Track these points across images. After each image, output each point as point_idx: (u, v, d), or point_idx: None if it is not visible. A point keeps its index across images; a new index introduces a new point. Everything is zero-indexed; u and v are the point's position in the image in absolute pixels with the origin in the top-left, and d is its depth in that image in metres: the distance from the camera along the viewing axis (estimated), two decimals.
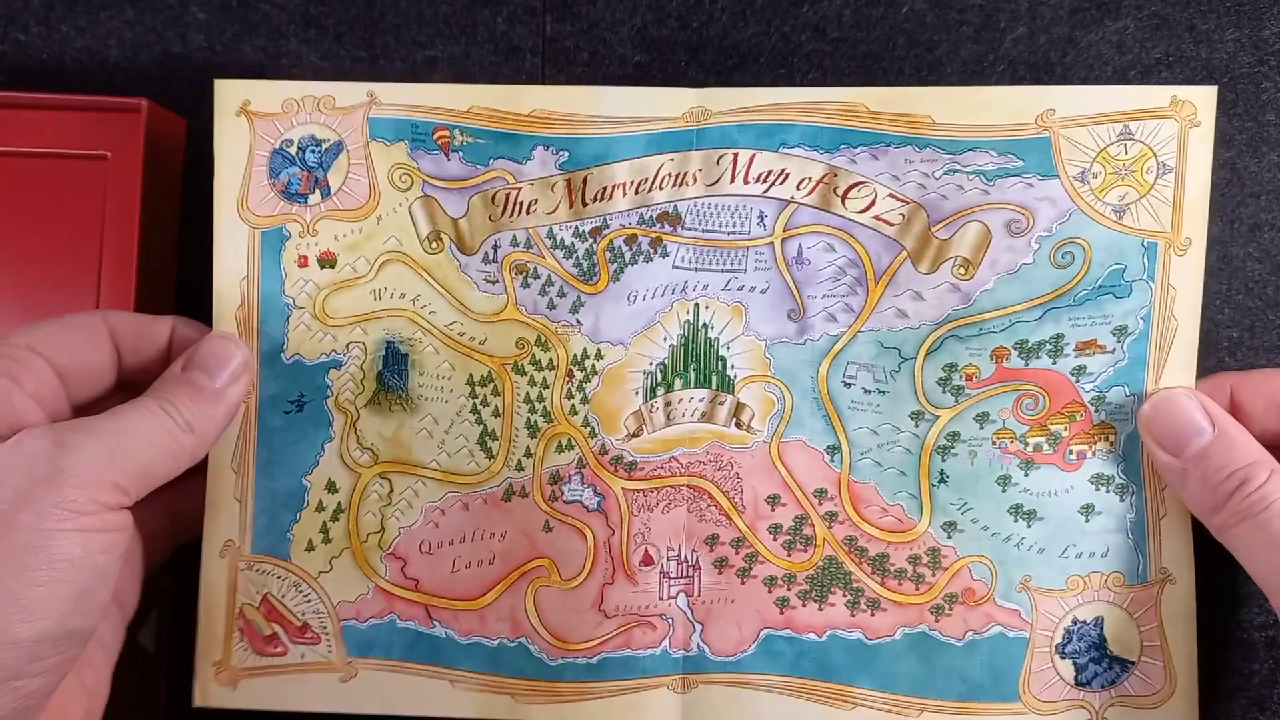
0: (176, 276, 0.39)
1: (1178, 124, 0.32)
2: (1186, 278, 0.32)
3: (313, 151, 0.34)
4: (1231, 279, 0.38)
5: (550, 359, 0.34)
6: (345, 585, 0.34)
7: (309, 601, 0.34)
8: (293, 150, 0.34)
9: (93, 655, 0.31)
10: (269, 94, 0.34)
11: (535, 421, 0.34)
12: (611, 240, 0.34)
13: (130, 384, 0.33)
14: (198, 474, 0.34)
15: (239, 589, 0.34)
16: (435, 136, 0.34)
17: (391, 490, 0.34)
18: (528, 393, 0.34)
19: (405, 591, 0.34)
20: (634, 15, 0.39)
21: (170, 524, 0.34)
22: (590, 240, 0.34)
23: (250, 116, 0.34)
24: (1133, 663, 0.32)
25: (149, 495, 0.31)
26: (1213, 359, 0.38)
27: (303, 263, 0.34)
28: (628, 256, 0.34)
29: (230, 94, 0.34)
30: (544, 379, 0.34)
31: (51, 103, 0.37)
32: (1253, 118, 0.39)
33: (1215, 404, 0.31)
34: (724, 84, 0.39)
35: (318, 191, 0.34)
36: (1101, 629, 0.33)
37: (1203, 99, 0.32)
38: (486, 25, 0.39)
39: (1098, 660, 0.33)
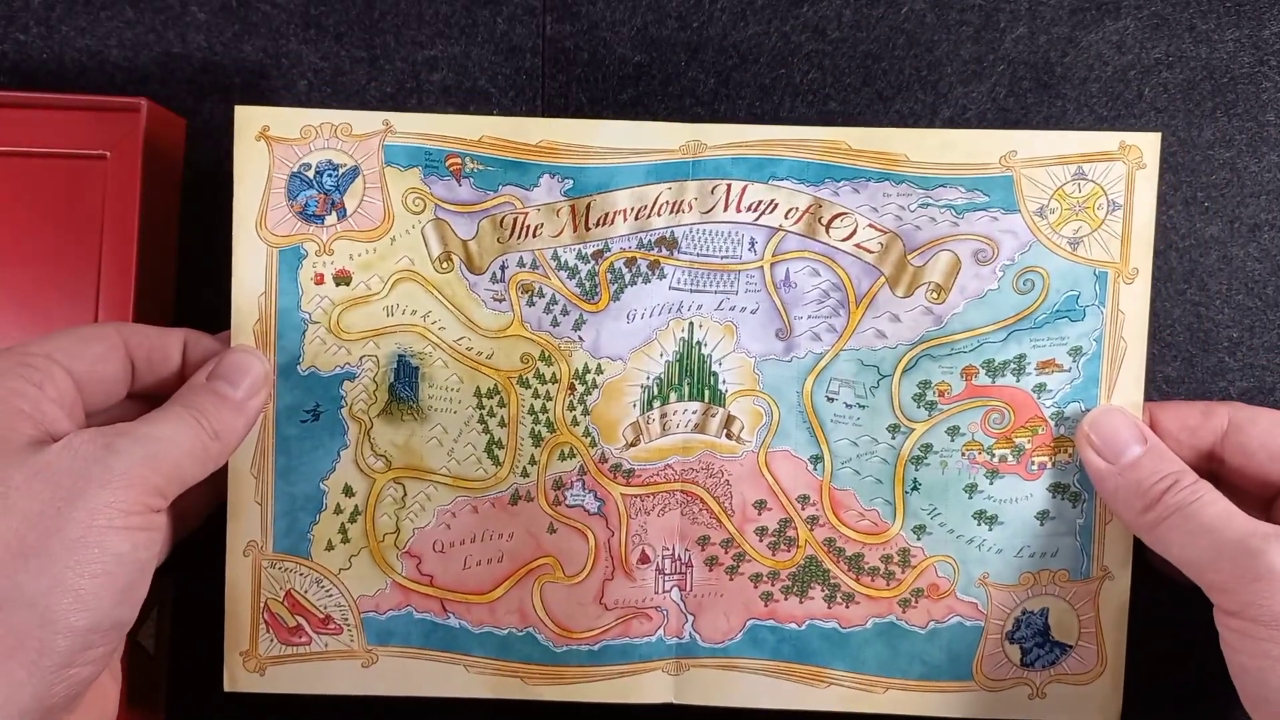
0: (176, 276, 0.60)
1: (1126, 166, 0.54)
2: (1134, 303, 0.54)
3: (329, 175, 0.55)
4: (1231, 279, 0.60)
5: (553, 373, 0.56)
6: (364, 581, 0.56)
7: (330, 596, 0.56)
8: (310, 174, 0.55)
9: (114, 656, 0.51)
10: (288, 120, 0.55)
11: (539, 431, 0.56)
12: (612, 263, 0.55)
13: (141, 394, 0.54)
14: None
15: (263, 585, 0.56)
16: (447, 163, 0.55)
17: (405, 494, 0.56)
18: (532, 404, 0.56)
19: (421, 586, 0.56)
20: (634, 15, 0.60)
21: (172, 526, 0.55)
22: (592, 262, 0.55)
23: (269, 141, 0.55)
24: (1071, 646, 0.56)
25: None
26: (1213, 359, 0.61)
27: (319, 280, 0.55)
28: (627, 278, 0.56)
29: (250, 119, 0.55)
30: (547, 391, 0.56)
31: (51, 103, 0.57)
32: (1253, 118, 0.60)
33: (1143, 423, 0.55)
34: (724, 84, 0.60)
35: (334, 213, 0.55)
36: (1046, 618, 0.56)
37: (1148, 144, 0.54)
38: (486, 25, 0.60)
39: (1041, 644, 0.56)
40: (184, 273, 0.61)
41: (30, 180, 0.58)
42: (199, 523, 0.57)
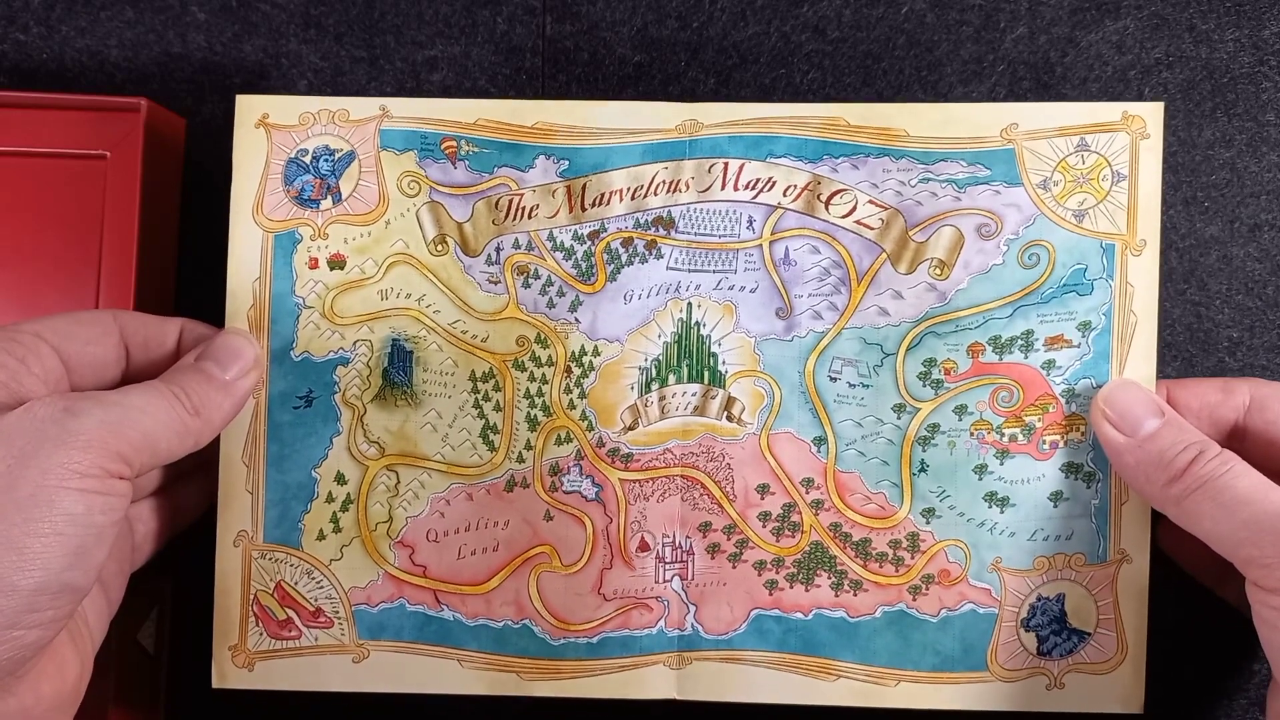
0: (176, 275, 0.58)
1: (1129, 136, 0.51)
2: (1142, 276, 0.51)
3: (326, 160, 0.53)
4: (1231, 279, 0.57)
5: (549, 355, 0.53)
6: (356, 572, 0.52)
7: (321, 588, 0.52)
8: (307, 159, 0.53)
9: (79, 630, 0.47)
10: (287, 108, 0.53)
11: (535, 415, 0.53)
12: (609, 243, 0.53)
13: (136, 380, 0.50)
14: (192, 473, 0.53)
15: (253, 577, 0.52)
16: (443, 146, 0.53)
17: (398, 482, 0.53)
18: (528, 388, 0.53)
19: (413, 577, 0.53)
20: (634, 15, 0.58)
21: (155, 524, 0.52)
22: (588, 243, 0.53)
23: (268, 128, 0.53)
24: (1089, 634, 0.52)
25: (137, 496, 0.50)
26: (1213, 359, 0.57)
27: (313, 264, 0.53)
28: (624, 258, 0.53)
29: (250, 108, 0.53)
30: (543, 375, 0.53)
31: (51, 103, 0.55)
32: (1253, 118, 0.58)
33: (1158, 397, 0.51)
34: (724, 84, 0.58)
35: (329, 197, 0.53)
36: (1063, 604, 0.52)
37: (1151, 114, 0.51)
38: (486, 25, 0.58)
39: (1058, 632, 0.52)
40: (184, 272, 0.59)
41: (30, 180, 0.56)
42: (195, 516, 0.54)
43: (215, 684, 0.53)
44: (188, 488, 0.54)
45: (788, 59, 0.59)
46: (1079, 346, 0.52)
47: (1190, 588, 0.55)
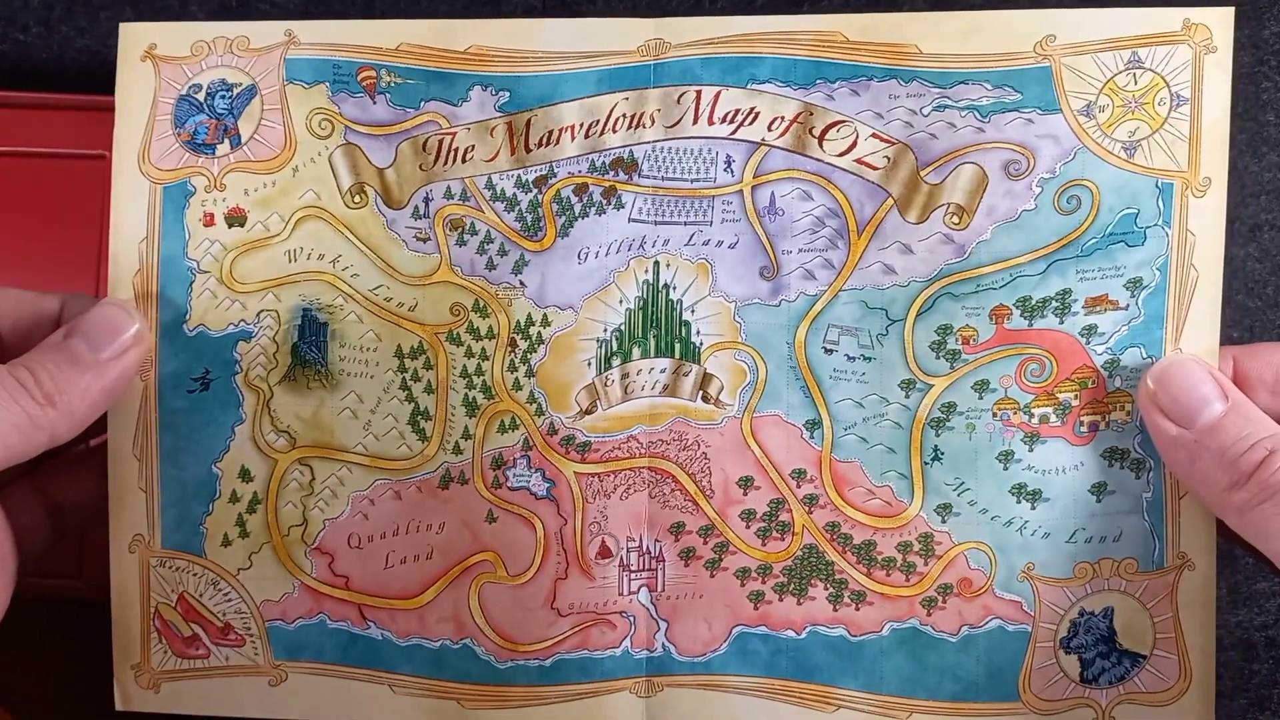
0: None
1: (1192, 50, 0.42)
2: (1207, 222, 0.42)
3: (222, 97, 0.44)
4: (1231, 279, 0.53)
5: (490, 326, 0.44)
6: (268, 583, 0.45)
7: (229, 601, 0.45)
8: (200, 96, 0.44)
9: None
10: (178, 36, 0.44)
11: (474, 398, 0.44)
12: (559, 190, 0.44)
13: None
14: (82, 461, 0.46)
15: (152, 587, 0.44)
16: (360, 78, 0.44)
17: (313, 478, 0.45)
18: (465, 365, 0.44)
19: (335, 590, 0.44)
20: (634, 15, 0.50)
21: (46, 517, 0.45)
22: (534, 191, 0.44)
23: (156, 61, 0.44)
24: (1144, 657, 0.43)
25: (18, 484, 0.43)
26: None
27: (208, 221, 0.44)
28: (577, 209, 0.44)
29: (135, 37, 0.44)
30: (483, 349, 0.44)
31: (51, 103, 0.55)
32: (1253, 118, 0.53)
33: (1223, 375, 0.41)
34: None
35: (227, 141, 0.44)
36: (1111, 620, 0.43)
37: (1218, 22, 0.41)
38: None
39: (1106, 655, 0.43)
40: None
41: (30, 180, 0.55)
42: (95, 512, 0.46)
43: (119, 706, 0.46)
44: (77, 472, 0.46)
45: None
46: (1126, 309, 0.43)
47: (1244, 608, 0.49)
